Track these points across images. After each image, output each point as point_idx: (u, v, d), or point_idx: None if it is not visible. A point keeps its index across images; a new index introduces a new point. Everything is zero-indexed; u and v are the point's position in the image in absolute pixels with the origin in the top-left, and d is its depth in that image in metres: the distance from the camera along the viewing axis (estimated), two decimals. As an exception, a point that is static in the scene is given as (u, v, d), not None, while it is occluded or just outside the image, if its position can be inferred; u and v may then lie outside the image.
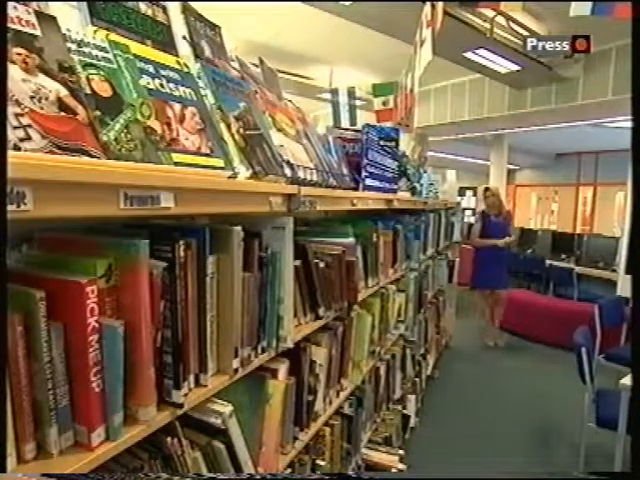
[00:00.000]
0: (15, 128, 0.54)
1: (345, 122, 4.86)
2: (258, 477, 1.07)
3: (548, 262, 6.69)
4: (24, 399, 0.63)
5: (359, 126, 1.98)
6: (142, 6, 0.93)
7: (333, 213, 2.00)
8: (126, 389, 0.73)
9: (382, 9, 3.33)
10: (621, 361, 3.26)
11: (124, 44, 0.80)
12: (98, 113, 0.68)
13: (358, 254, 1.79)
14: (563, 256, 7.10)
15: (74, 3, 0.79)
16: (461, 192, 11.20)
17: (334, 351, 1.59)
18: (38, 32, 0.63)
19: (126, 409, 0.74)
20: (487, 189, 5.07)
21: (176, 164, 0.78)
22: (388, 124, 3.93)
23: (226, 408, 0.97)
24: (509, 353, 4.90)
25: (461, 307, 5.60)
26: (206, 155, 0.87)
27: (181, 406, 0.83)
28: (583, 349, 2.52)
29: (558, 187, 11.24)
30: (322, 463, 1.57)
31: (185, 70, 0.92)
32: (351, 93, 4.96)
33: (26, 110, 0.57)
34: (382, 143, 2.00)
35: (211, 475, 0.93)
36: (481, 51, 4.00)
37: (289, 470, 1.33)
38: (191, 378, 0.89)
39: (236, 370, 1.00)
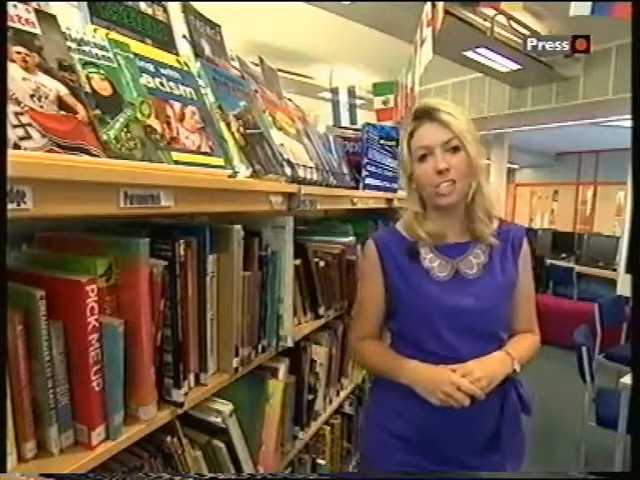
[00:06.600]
0: (15, 127, 0.54)
1: (345, 121, 4.85)
2: (259, 477, 1.07)
3: (548, 261, 6.69)
4: (24, 398, 0.63)
5: (359, 125, 1.97)
6: (142, 5, 0.93)
7: (333, 212, 2.00)
8: (126, 388, 0.73)
9: (382, 8, 3.33)
10: (621, 360, 3.27)
11: (124, 43, 0.79)
12: (98, 112, 0.68)
13: (358, 253, 1.79)
14: (563, 255, 7.10)
15: (74, 2, 0.79)
16: (461, 191, 11.15)
17: (334, 350, 1.59)
18: (38, 31, 0.63)
19: (126, 408, 0.74)
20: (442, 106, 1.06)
21: (176, 163, 0.78)
22: (388, 123, 3.93)
23: (226, 407, 0.97)
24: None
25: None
26: (206, 154, 0.87)
27: (181, 405, 0.84)
28: (583, 348, 2.52)
29: (558, 186, 11.22)
30: (322, 462, 1.57)
31: (185, 69, 0.92)
32: (351, 92, 4.94)
33: (26, 109, 0.56)
34: (382, 142, 2.00)
35: (212, 475, 0.93)
36: (481, 50, 3.99)
37: (289, 469, 1.33)
38: (191, 377, 0.89)
39: (236, 369, 1.00)
